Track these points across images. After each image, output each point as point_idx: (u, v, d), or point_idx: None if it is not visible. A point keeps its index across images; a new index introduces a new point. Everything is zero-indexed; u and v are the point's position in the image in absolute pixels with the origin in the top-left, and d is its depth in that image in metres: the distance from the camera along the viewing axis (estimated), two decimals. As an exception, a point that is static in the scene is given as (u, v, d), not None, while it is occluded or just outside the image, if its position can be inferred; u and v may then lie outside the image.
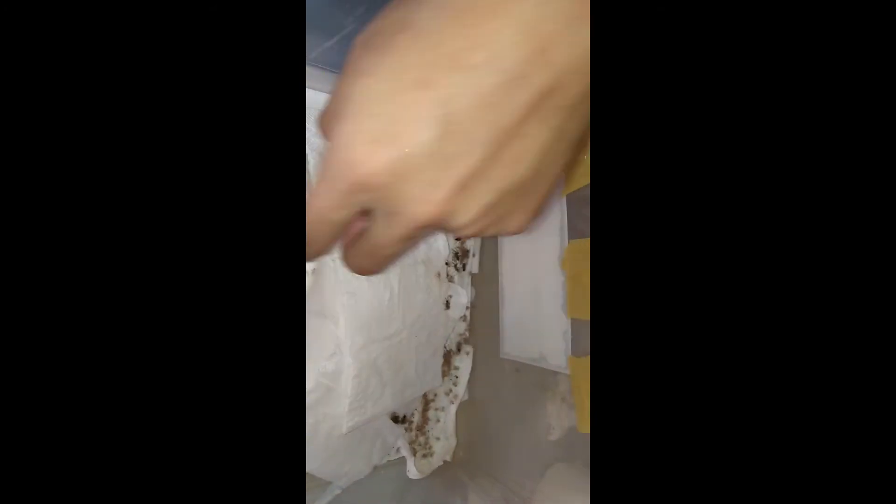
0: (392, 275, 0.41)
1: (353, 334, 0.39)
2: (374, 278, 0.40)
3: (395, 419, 0.45)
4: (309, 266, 0.37)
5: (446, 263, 0.45)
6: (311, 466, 0.41)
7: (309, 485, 0.42)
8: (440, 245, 0.45)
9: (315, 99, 0.45)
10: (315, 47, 0.44)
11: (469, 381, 0.51)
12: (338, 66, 0.46)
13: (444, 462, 0.50)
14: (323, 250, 0.21)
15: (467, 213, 0.18)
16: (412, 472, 0.48)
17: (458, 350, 0.51)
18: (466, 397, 0.51)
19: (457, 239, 0.48)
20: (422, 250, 0.44)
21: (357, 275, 0.23)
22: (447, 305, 0.47)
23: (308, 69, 0.45)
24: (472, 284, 0.51)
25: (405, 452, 0.48)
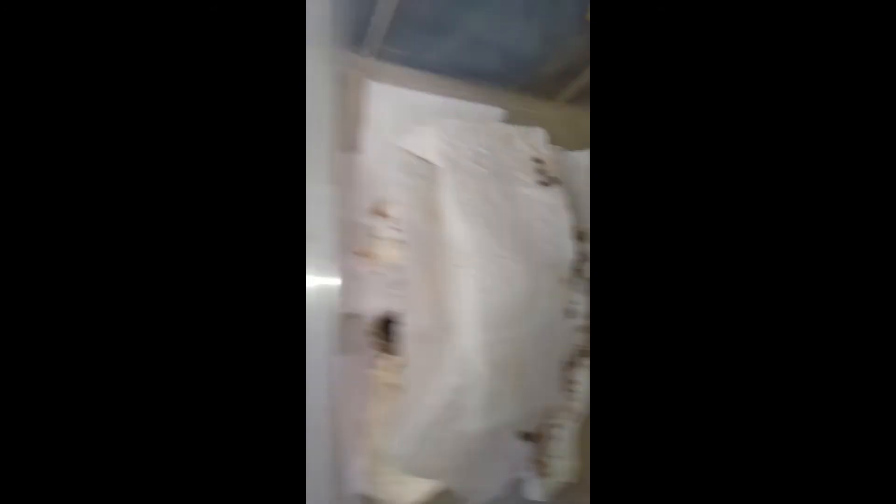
0: (518, 275, 0.39)
1: (482, 332, 0.37)
2: (504, 276, 0.38)
3: (524, 436, 0.43)
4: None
5: (571, 268, 0.43)
6: (448, 481, 0.39)
7: (445, 501, 0.39)
8: (567, 248, 0.43)
9: (432, 103, 0.45)
10: (434, 47, 0.43)
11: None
12: (460, 68, 0.45)
13: (568, 483, 0.47)
14: None
15: None
16: (533, 492, 0.45)
17: (575, 363, 0.48)
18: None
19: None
20: (547, 253, 0.42)
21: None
22: (568, 314, 0.45)
23: (425, 73, 0.45)
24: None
25: (526, 471, 0.45)
